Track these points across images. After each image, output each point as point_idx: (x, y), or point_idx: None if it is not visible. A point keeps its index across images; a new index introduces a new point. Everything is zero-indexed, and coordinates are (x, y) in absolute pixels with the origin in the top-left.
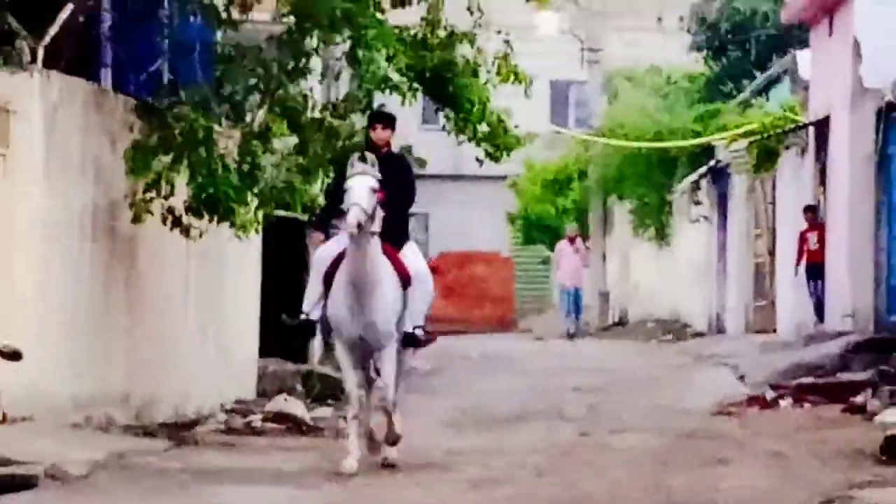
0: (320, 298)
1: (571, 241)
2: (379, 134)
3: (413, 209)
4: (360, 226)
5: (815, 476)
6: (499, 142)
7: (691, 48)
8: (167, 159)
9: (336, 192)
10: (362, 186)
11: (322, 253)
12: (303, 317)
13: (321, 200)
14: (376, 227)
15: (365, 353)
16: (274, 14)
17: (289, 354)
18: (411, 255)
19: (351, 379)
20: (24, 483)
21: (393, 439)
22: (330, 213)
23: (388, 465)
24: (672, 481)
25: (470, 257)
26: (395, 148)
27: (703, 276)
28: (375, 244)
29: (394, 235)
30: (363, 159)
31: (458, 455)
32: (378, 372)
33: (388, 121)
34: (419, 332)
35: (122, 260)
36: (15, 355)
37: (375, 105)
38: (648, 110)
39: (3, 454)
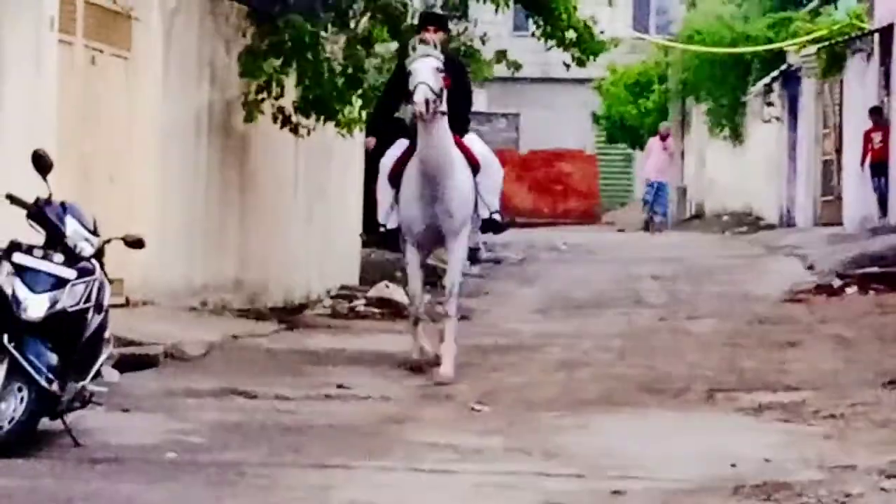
0: (393, 205)
1: (663, 138)
2: (430, 36)
3: (504, 109)
4: (427, 104)
5: (878, 358)
6: (584, 47)
7: None
8: (277, 63)
9: (394, 89)
10: (427, 66)
11: (385, 160)
12: (381, 230)
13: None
14: (444, 107)
15: (434, 243)
16: None
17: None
18: (476, 142)
19: (417, 281)
20: (146, 362)
21: (453, 351)
22: (389, 110)
23: (439, 383)
24: (743, 363)
25: (557, 155)
26: (488, 53)
27: (774, 173)
28: (444, 126)
29: (456, 124)
30: (425, 43)
31: (546, 338)
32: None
33: (440, 22)
34: (497, 216)
35: (236, 156)
36: (138, 243)
37: (471, 13)
38: (724, 18)
39: (126, 335)
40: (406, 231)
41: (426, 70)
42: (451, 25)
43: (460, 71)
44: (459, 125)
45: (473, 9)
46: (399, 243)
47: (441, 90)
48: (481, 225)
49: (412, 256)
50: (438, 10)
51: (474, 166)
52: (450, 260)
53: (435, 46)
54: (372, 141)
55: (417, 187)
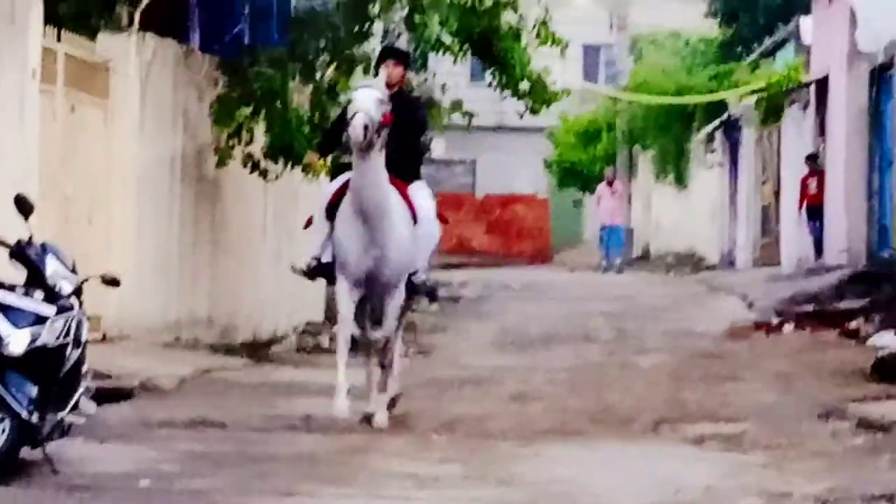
0: (328, 237)
1: (610, 183)
2: (391, 71)
3: (462, 155)
4: (365, 130)
5: (813, 391)
6: (537, 96)
7: (707, 15)
8: (247, 111)
9: (338, 123)
10: (368, 96)
11: (324, 189)
12: (312, 263)
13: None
14: (380, 143)
15: (369, 295)
16: None
17: None
18: (420, 192)
19: (345, 330)
20: (122, 394)
21: (387, 400)
22: (331, 143)
23: (369, 422)
24: (687, 395)
25: (512, 199)
26: (447, 102)
27: (716, 216)
28: (380, 162)
29: (402, 171)
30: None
31: (501, 372)
32: (378, 322)
33: (400, 57)
34: (421, 277)
35: (208, 199)
36: (114, 282)
37: (430, 65)
38: (669, 70)
39: (103, 369)
40: (339, 267)
41: (366, 99)
42: (411, 75)
43: (418, 107)
44: (406, 168)
45: (433, 60)
46: (332, 277)
47: (381, 124)
48: (408, 286)
49: (345, 301)
50: (400, 46)
51: (413, 217)
52: (385, 312)
53: (396, 84)
54: (315, 156)
55: (352, 226)
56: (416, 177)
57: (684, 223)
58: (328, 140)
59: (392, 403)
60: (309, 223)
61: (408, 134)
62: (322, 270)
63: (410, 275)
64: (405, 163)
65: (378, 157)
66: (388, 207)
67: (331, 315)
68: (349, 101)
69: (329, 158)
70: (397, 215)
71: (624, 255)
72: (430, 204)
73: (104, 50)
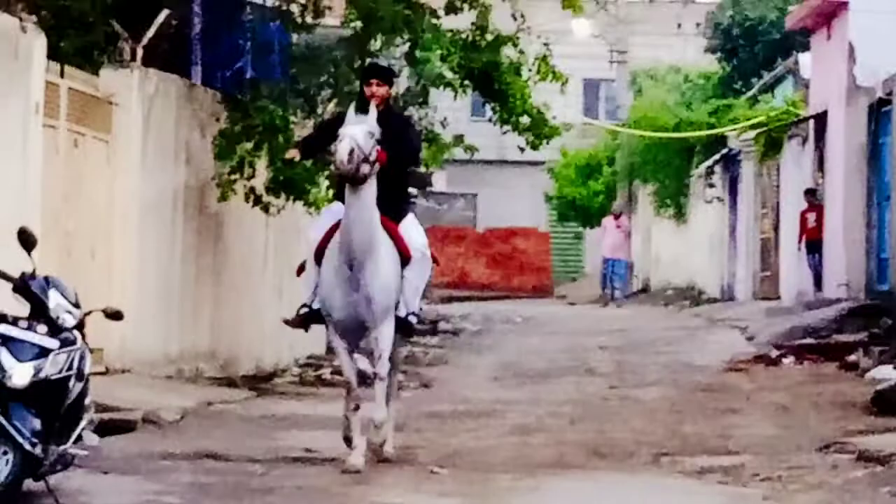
0: (317, 284)
1: (617, 217)
2: (374, 90)
3: (463, 189)
4: (351, 156)
5: (813, 424)
6: (538, 131)
7: (706, 50)
8: (249, 145)
9: (323, 132)
10: (360, 129)
11: (313, 233)
12: (303, 310)
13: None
14: (372, 179)
15: (358, 336)
16: (343, 19)
17: None
18: (412, 228)
19: (349, 367)
20: (124, 426)
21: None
22: (311, 149)
23: (384, 459)
24: (687, 428)
25: (512, 232)
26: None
27: (715, 250)
28: (372, 202)
29: (392, 204)
30: (363, 111)
31: (501, 405)
32: (370, 356)
33: (384, 75)
34: (413, 318)
35: (210, 233)
36: (117, 315)
37: (432, 100)
38: (669, 105)
39: (106, 402)
40: (325, 312)
41: (357, 130)
42: (412, 111)
43: (406, 125)
44: (396, 200)
45: (433, 95)
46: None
47: (372, 157)
48: (396, 324)
49: (338, 341)
50: (383, 63)
51: (405, 259)
52: (377, 352)
53: (380, 104)
54: (294, 153)
55: (337, 268)
56: (406, 208)
57: (684, 257)
58: (313, 140)
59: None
60: (301, 270)
61: (397, 157)
62: (316, 317)
63: (405, 316)
64: (395, 192)
65: (369, 192)
66: (374, 249)
67: (331, 348)
68: (339, 114)
69: (330, 192)
70: (384, 259)
71: (624, 288)
72: (424, 240)
73: (107, 85)
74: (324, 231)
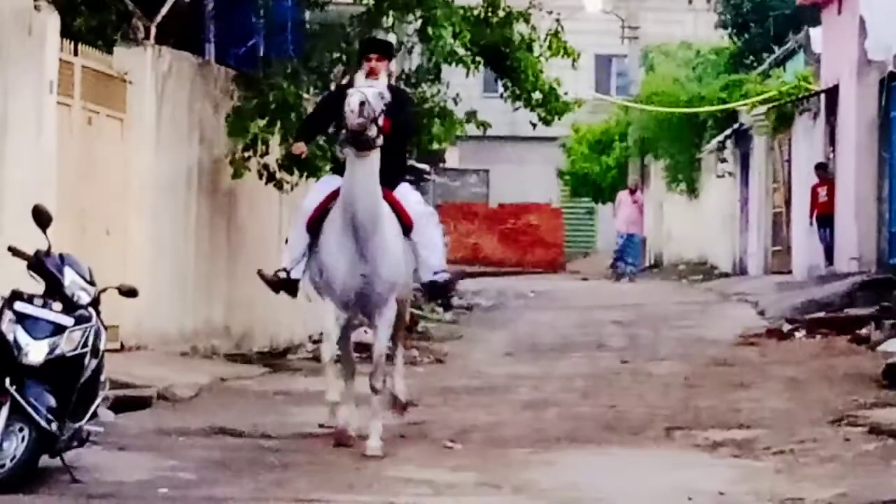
0: (304, 254)
1: (633, 192)
2: (373, 65)
3: (475, 166)
4: (362, 107)
5: (825, 397)
6: (550, 107)
7: (717, 25)
8: (262, 123)
9: (326, 108)
10: (371, 91)
11: (307, 202)
12: (281, 274)
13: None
14: (377, 149)
15: (356, 312)
16: None
17: None
18: (409, 193)
19: (329, 346)
20: (139, 403)
21: (373, 430)
22: (313, 129)
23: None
24: (700, 402)
25: (525, 208)
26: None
27: (727, 225)
28: (376, 170)
29: (390, 176)
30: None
31: (514, 379)
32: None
33: (383, 50)
34: (441, 276)
35: (223, 210)
36: (131, 292)
37: (444, 76)
38: (680, 80)
39: (121, 378)
40: (325, 287)
41: (369, 91)
42: (424, 87)
43: (406, 101)
44: (393, 170)
45: (446, 71)
46: (296, 292)
47: (380, 120)
48: (426, 290)
49: (331, 322)
50: (382, 37)
51: (406, 226)
52: (376, 327)
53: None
54: (301, 147)
55: (340, 241)
56: (402, 177)
57: (696, 232)
58: (312, 123)
59: (401, 407)
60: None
61: (396, 131)
62: (287, 285)
63: (430, 279)
64: (393, 166)
65: (374, 161)
66: (380, 219)
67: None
68: (339, 88)
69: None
70: (390, 230)
71: (638, 263)
72: (421, 202)
73: (121, 63)
74: (319, 200)
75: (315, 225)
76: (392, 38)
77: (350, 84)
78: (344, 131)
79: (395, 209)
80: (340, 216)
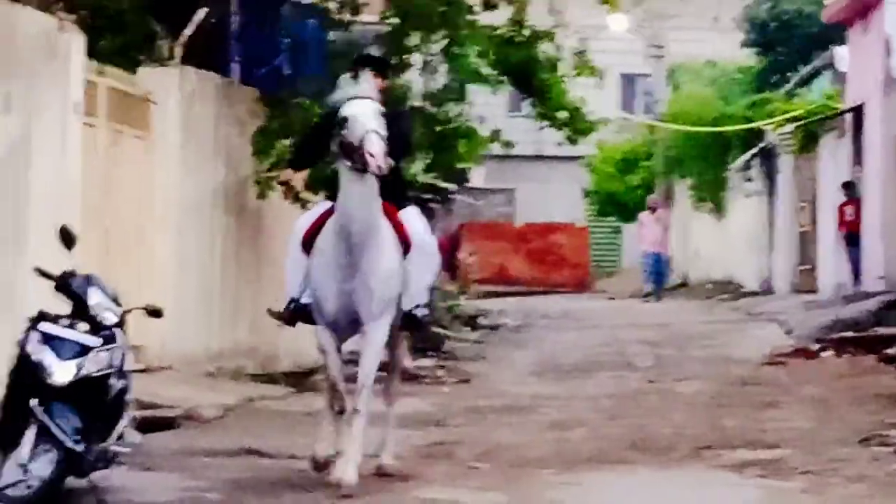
0: (306, 276)
1: (652, 210)
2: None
3: (501, 185)
4: (385, 157)
5: (853, 417)
6: (575, 126)
7: (743, 44)
8: (287, 142)
9: (320, 134)
10: (369, 110)
11: (301, 221)
12: (290, 305)
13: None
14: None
15: (348, 333)
16: (380, 16)
17: None
18: (414, 218)
19: (336, 366)
20: (166, 423)
21: (350, 457)
22: (311, 155)
23: (343, 495)
24: (727, 422)
25: (551, 227)
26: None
27: (754, 243)
28: (376, 188)
29: (390, 194)
30: (355, 77)
31: (540, 399)
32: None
33: (379, 66)
34: (421, 311)
35: (248, 230)
36: (156, 312)
37: (469, 96)
38: (706, 99)
39: (147, 399)
40: (316, 309)
41: (371, 114)
42: (449, 107)
43: (403, 118)
44: (396, 189)
45: (471, 91)
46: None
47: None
48: (402, 320)
49: (327, 338)
50: (375, 53)
51: (406, 244)
52: (364, 347)
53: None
54: (293, 172)
55: (331, 252)
56: (405, 198)
57: (722, 251)
58: (307, 150)
59: (382, 469)
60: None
61: (393, 151)
62: (303, 313)
63: (409, 310)
64: (392, 184)
65: (373, 179)
66: (376, 233)
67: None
68: (334, 108)
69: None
70: (386, 243)
71: (664, 282)
72: (424, 229)
73: (145, 83)
74: (312, 220)
75: (309, 242)
76: (416, 57)
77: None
78: (339, 150)
79: (396, 228)
80: (334, 231)
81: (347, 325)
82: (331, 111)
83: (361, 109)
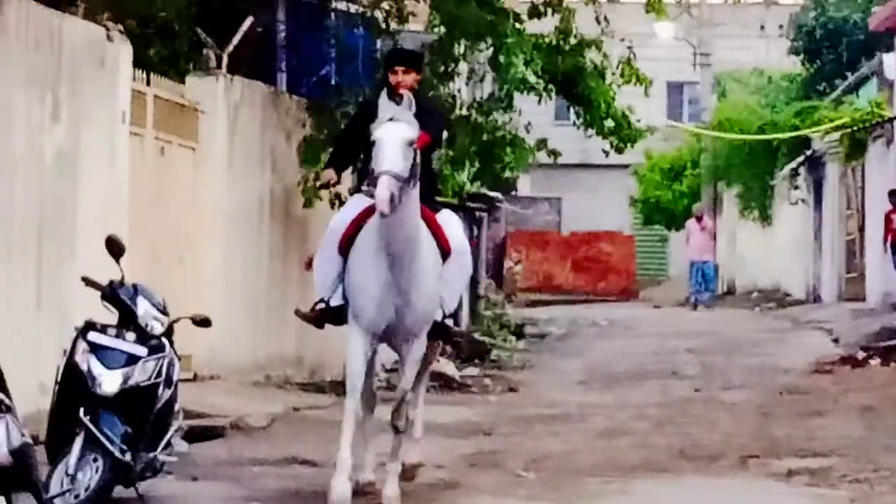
0: (339, 278)
1: (699, 219)
2: (400, 78)
3: (547, 193)
4: (391, 201)
5: None
6: (622, 135)
7: (790, 52)
8: None
9: (356, 136)
10: (395, 141)
11: (334, 224)
12: (320, 305)
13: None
14: (415, 179)
15: (383, 340)
16: (427, 25)
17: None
18: (451, 222)
19: (358, 372)
20: (213, 433)
21: (399, 470)
22: (348, 155)
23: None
24: (774, 431)
25: (597, 236)
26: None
27: (801, 252)
28: (416, 198)
29: (425, 192)
30: (394, 98)
31: (587, 408)
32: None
33: (412, 62)
34: (450, 321)
35: (296, 239)
36: (204, 322)
37: (516, 104)
38: (753, 107)
39: (194, 408)
40: (354, 314)
41: (393, 147)
42: (496, 116)
43: (436, 116)
44: (428, 189)
45: (517, 99)
46: (345, 319)
47: (413, 167)
48: (431, 328)
49: (357, 343)
50: (409, 48)
51: (444, 252)
52: (404, 361)
53: (413, 91)
54: (331, 174)
55: (373, 266)
56: (438, 200)
57: (769, 259)
58: (343, 151)
59: (410, 474)
60: (310, 264)
61: (429, 144)
62: (331, 315)
63: (441, 319)
64: (425, 184)
65: (414, 190)
66: (418, 246)
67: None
68: (365, 104)
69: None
70: (428, 256)
71: (712, 291)
72: (461, 232)
73: (193, 93)
74: (350, 219)
75: (347, 245)
76: (463, 66)
77: (376, 99)
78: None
79: (434, 234)
80: (374, 238)
81: (383, 334)
82: (361, 111)
83: (389, 136)
